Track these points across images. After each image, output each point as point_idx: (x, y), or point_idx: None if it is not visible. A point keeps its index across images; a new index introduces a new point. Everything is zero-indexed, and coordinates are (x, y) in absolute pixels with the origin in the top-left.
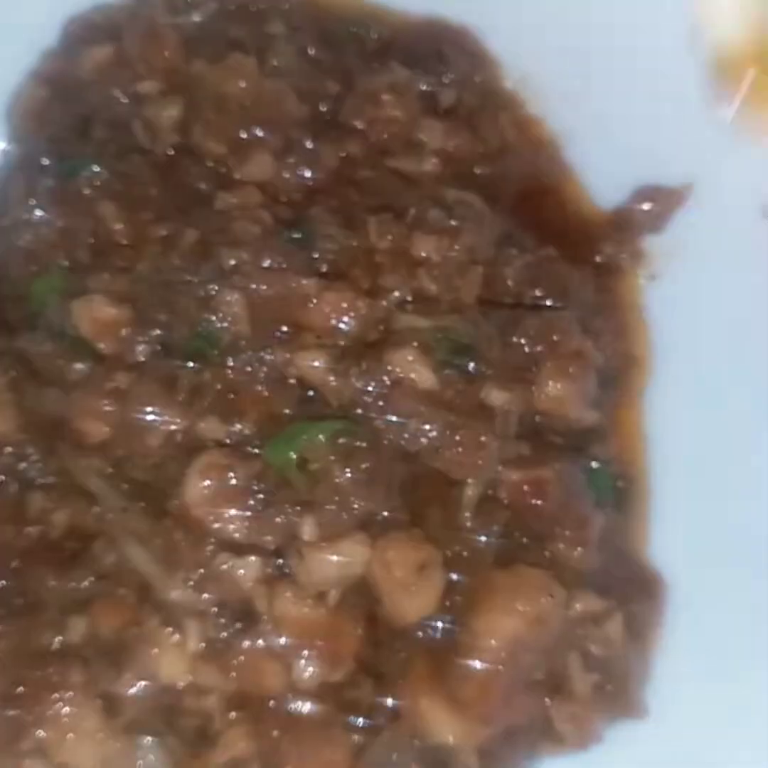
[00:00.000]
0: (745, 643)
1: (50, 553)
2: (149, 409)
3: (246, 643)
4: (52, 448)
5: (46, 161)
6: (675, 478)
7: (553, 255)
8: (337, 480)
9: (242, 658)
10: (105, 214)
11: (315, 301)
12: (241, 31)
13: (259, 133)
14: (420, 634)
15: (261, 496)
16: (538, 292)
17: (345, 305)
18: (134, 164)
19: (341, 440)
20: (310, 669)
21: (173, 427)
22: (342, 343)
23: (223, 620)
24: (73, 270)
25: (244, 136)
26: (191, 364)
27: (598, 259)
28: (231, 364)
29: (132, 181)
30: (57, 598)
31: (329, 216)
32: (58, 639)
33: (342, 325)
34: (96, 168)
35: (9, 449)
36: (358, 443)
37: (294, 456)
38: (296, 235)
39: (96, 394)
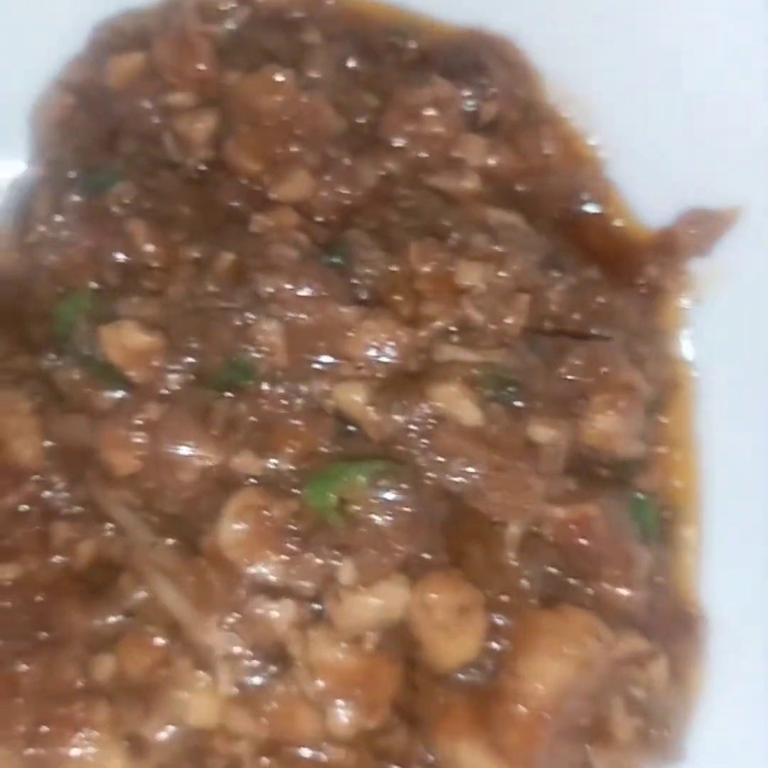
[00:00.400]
0: None
1: (75, 585)
2: (182, 443)
3: (279, 689)
4: (78, 477)
5: (72, 174)
6: (725, 507)
7: (597, 277)
8: (377, 523)
9: (275, 704)
10: (135, 234)
11: (354, 330)
12: (276, 40)
13: (296, 149)
14: (461, 677)
15: (297, 538)
16: (581, 317)
17: (385, 335)
18: (165, 180)
19: (382, 482)
20: (346, 717)
21: (207, 463)
22: (382, 375)
23: (256, 664)
24: (101, 292)
25: (279, 152)
26: (226, 394)
27: (641, 281)
28: (267, 395)
29: (163, 198)
30: (82, 634)
31: (368, 239)
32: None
33: (382, 356)
34: (125, 184)
35: (35, 477)
36: (400, 486)
37: (333, 497)
38: (335, 259)
39: (125, 425)
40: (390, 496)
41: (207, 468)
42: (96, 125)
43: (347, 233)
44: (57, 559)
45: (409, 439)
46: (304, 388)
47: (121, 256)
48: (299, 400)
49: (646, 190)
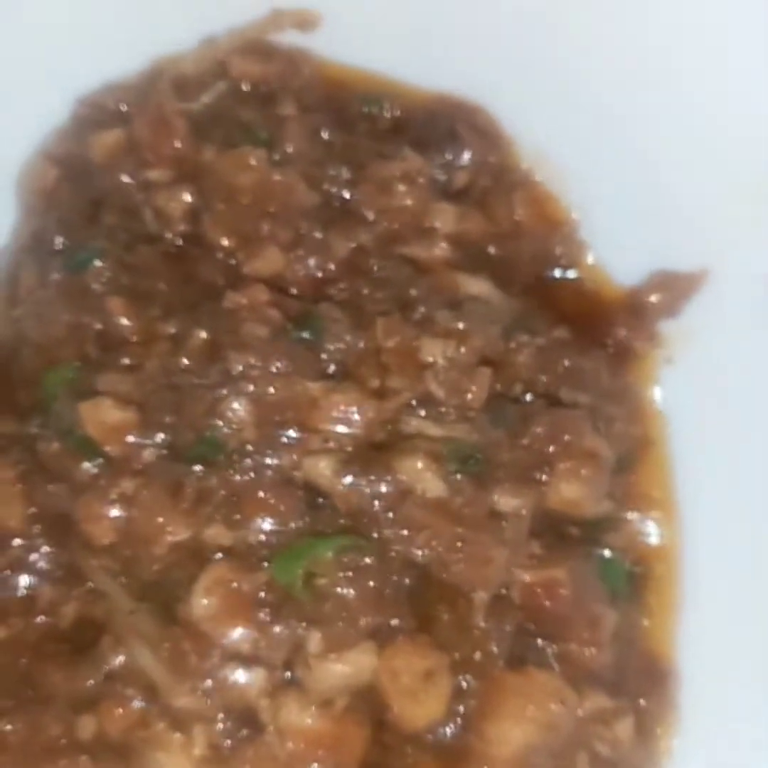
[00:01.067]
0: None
1: (59, 645)
2: (154, 517)
3: (251, 751)
4: (62, 541)
5: (56, 245)
6: (700, 562)
7: (566, 338)
8: (343, 596)
9: (248, 766)
10: (112, 310)
11: (321, 403)
12: (252, 113)
13: (268, 226)
14: (430, 737)
15: (268, 608)
16: (550, 378)
17: (352, 408)
18: (143, 255)
19: (347, 558)
20: None
21: (178, 538)
22: (349, 447)
23: (229, 727)
24: (83, 366)
25: (252, 228)
26: (197, 468)
27: (611, 342)
28: (237, 469)
29: (141, 274)
30: (66, 694)
31: (338, 312)
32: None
33: (349, 428)
34: (105, 262)
35: (17, 541)
36: (365, 560)
37: (300, 572)
38: (305, 334)
39: (102, 499)
40: (355, 570)
41: (177, 542)
42: (79, 197)
43: (318, 307)
44: (41, 619)
45: (374, 512)
46: (273, 461)
47: (100, 332)
48: (269, 473)
49: (618, 251)
